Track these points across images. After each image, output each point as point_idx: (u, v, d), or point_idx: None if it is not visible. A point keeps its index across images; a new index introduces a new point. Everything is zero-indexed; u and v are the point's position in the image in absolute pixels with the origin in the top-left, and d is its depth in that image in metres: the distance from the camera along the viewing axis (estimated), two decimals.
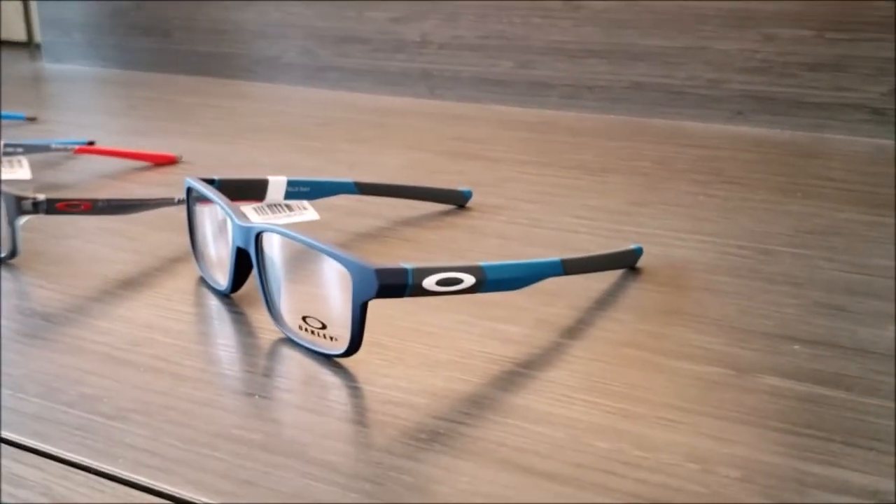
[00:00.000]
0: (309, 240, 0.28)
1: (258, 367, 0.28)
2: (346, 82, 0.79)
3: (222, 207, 0.32)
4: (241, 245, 0.31)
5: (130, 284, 0.35)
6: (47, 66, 0.94)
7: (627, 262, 0.36)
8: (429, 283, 0.27)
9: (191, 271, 0.36)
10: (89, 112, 0.72)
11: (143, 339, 0.30)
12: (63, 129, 0.63)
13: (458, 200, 0.45)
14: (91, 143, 0.57)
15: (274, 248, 0.30)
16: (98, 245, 0.39)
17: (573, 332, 0.31)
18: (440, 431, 0.24)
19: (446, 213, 0.45)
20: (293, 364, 0.29)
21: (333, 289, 0.28)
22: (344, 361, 0.28)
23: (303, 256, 0.29)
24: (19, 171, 0.48)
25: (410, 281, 0.26)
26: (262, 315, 0.31)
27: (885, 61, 0.59)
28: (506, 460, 0.23)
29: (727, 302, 0.33)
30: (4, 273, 0.36)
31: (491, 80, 0.73)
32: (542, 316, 0.32)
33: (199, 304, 0.33)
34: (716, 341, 0.30)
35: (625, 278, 0.36)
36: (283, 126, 0.64)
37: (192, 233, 0.36)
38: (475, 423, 0.25)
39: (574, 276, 0.35)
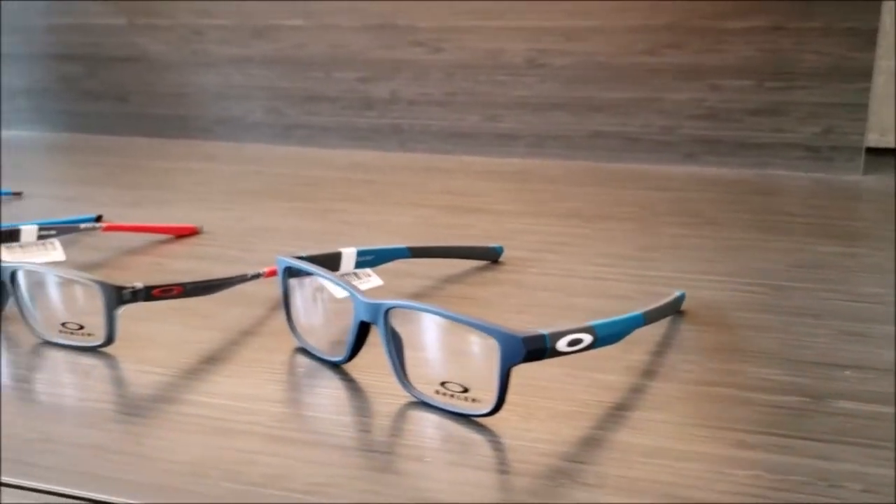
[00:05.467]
0: (451, 313, 0.31)
1: (391, 429, 0.31)
2: (315, 139, 0.81)
3: (343, 286, 0.35)
4: (367, 319, 0.34)
5: (217, 360, 0.37)
6: None
7: (676, 308, 0.41)
8: (561, 345, 0.31)
9: (279, 344, 0.39)
10: None
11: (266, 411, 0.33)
12: None
13: (491, 256, 0.49)
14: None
15: (403, 321, 0.33)
16: (176, 325, 0.41)
17: (657, 375, 0.36)
18: (578, 471, 0.28)
19: (482, 269, 0.49)
20: (427, 425, 0.32)
21: (477, 356, 0.31)
22: (483, 420, 0.32)
23: (432, 326, 0.32)
24: (53, 253, 0.49)
25: (548, 345, 0.30)
26: (377, 381, 0.34)
27: (816, 105, 0.68)
28: (644, 491, 0.27)
29: (769, 337, 0.39)
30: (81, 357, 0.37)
31: (459, 133, 0.77)
32: (628, 363, 0.36)
33: (309, 374, 0.36)
34: (779, 372, 0.35)
35: (674, 322, 0.41)
36: (268, 188, 0.67)
37: (289, 307, 0.38)
38: (615, 462, 0.29)
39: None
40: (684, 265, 0.48)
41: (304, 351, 0.38)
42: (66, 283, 0.38)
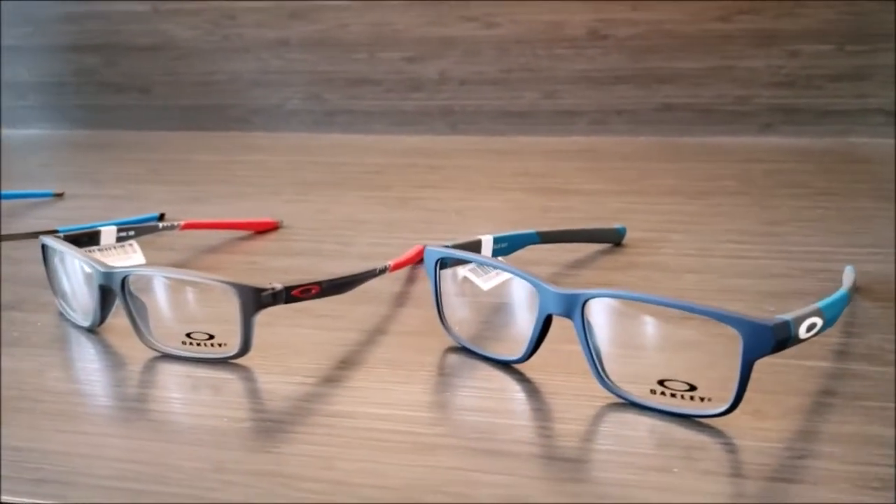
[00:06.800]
0: (677, 301, 0.27)
1: (607, 436, 0.28)
2: (358, 125, 0.77)
3: (526, 277, 0.31)
4: (557, 312, 0.30)
5: (365, 364, 0.33)
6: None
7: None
8: (802, 332, 0.27)
9: (422, 343, 0.34)
10: None
11: (478, 422, 0.29)
12: None
13: (615, 238, 0.45)
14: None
15: (603, 312, 0.29)
16: (305, 328, 0.36)
17: (872, 358, 0.32)
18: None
19: (607, 252, 0.45)
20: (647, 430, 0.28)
21: (704, 348, 0.27)
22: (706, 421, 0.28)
23: (643, 317, 0.28)
24: (133, 255, 0.44)
25: (792, 333, 0.27)
26: (560, 382, 0.31)
27: None
28: None
29: None
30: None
31: (515, 112, 0.73)
32: (830, 347, 0.33)
33: (479, 376, 0.32)
34: None
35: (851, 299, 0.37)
36: (334, 178, 0.62)
37: (441, 303, 0.34)
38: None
39: None
40: (825, 239, 0.45)
41: (452, 349, 0.34)
42: (189, 288, 0.34)
